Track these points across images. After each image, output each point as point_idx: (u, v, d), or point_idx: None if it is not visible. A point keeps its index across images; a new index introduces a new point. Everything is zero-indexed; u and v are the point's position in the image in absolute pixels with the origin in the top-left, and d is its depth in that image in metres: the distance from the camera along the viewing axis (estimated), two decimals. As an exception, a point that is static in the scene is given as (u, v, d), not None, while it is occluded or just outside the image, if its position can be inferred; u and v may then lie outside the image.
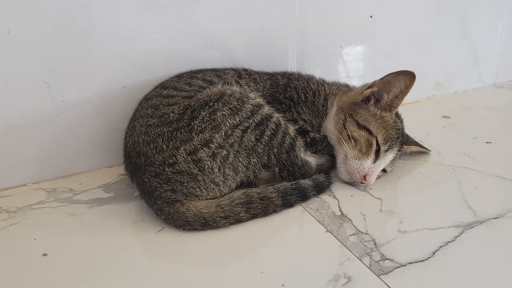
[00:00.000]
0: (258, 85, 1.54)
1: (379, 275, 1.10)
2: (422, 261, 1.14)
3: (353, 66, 1.97)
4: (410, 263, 1.13)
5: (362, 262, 1.14)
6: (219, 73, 1.53)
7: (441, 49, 2.13)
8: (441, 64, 2.16)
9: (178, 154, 1.26)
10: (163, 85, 1.46)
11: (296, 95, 1.54)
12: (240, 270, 1.13)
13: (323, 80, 1.64)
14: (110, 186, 1.50)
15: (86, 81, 1.49)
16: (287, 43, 1.80)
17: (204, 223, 1.26)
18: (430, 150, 1.66)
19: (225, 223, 1.27)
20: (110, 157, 1.55)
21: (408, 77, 1.41)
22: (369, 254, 1.17)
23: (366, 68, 1.98)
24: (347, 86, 1.64)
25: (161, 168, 1.26)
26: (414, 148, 1.62)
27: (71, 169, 1.57)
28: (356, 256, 1.16)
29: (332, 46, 1.90)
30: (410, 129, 1.59)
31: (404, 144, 1.54)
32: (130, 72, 1.55)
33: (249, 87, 1.50)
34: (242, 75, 1.56)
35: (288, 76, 1.61)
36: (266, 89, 1.55)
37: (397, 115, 1.52)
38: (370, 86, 1.47)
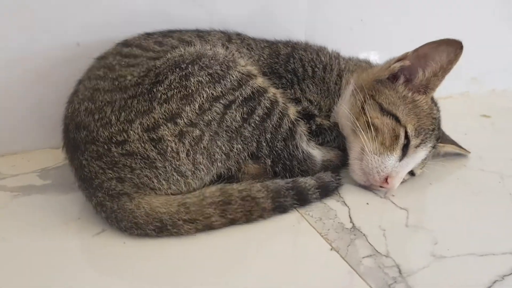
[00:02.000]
0: (252, 53, 1.19)
1: (407, 321, 0.74)
2: None
3: (376, 45, 1.60)
4: None
5: (381, 299, 0.78)
6: (202, 34, 1.18)
7: (481, 37, 1.75)
8: (480, 55, 1.78)
9: (131, 130, 0.92)
10: (125, 43, 1.13)
11: (301, 69, 1.19)
12: None
13: (338, 54, 1.29)
14: (49, 171, 1.16)
15: (28, 32, 1.16)
16: (295, 12, 1.46)
17: (160, 227, 0.91)
18: (469, 152, 1.28)
19: (190, 229, 0.93)
20: (55, 135, 1.18)
21: (452, 48, 1.05)
22: (392, 286, 0.82)
23: (392, 47, 1.60)
24: (368, 62, 1.28)
25: (106, 147, 0.92)
26: (450, 148, 1.25)
27: (5, 147, 1.24)
28: (372, 289, 0.80)
29: (351, 19, 1.56)
30: (442, 127, 1.22)
31: (439, 140, 1.16)
32: (88, 26, 1.22)
33: (240, 53, 1.14)
34: (232, 38, 1.21)
35: (293, 45, 1.25)
36: (262, 58, 1.20)
37: (433, 101, 1.15)
38: (400, 59, 1.11)
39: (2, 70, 1.17)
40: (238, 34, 1.25)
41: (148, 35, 1.16)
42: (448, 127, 1.27)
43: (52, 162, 1.19)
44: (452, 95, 1.80)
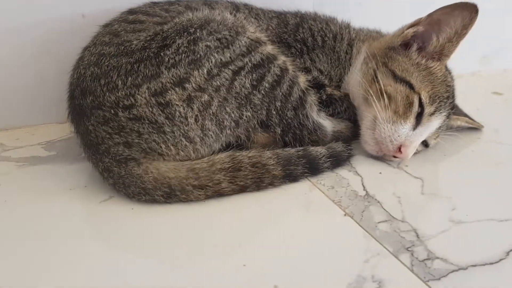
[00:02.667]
0: (260, 22, 1.17)
1: (427, 281, 0.71)
2: (490, 264, 0.77)
3: (386, 20, 1.55)
4: (472, 265, 0.77)
5: (399, 260, 0.77)
6: (209, 2, 1.15)
7: (493, 14, 1.70)
8: (491, 33, 1.74)
9: (138, 94, 0.89)
10: (131, 10, 1.10)
11: (310, 38, 1.16)
12: (213, 261, 0.77)
13: (348, 24, 1.25)
14: (54, 143, 1.14)
15: (32, 4, 1.12)
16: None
17: (168, 193, 0.89)
18: (483, 126, 1.25)
19: (200, 195, 0.90)
20: (60, 109, 1.16)
21: (467, 12, 1.02)
22: (410, 249, 0.78)
23: (403, 22, 1.57)
24: (378, 32, 1.25)
25: (113, 111, 0.89)
26: (463, 121, 1.22)
27: (9, 122, 1.21)
28: (389, 251, 0.78)
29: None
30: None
31: (454, 110, 1.13)
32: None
33: (249, 23, 1.11)
34: (240, 8, 1.18)
35: (302, 15, 1.23)
36: (271, 28, 1.17)
37: (447, 69, 1.12)
38: (413, 24, 1.08)
39: (6, 43, 1.15)
40: (246, 5, 1.22)
41: (154, 3, 1.13)
42: (458, 103, 1.24)
43: (57, 135, 1.17)
44: (463, 74, 1.76)
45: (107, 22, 1.07)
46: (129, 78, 0.90)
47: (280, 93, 1.00)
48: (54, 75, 1.19)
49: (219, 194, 0.91)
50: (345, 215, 0.88)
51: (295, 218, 0.89)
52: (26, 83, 1.19)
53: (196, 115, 0.91)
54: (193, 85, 0.91)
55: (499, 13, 1.75)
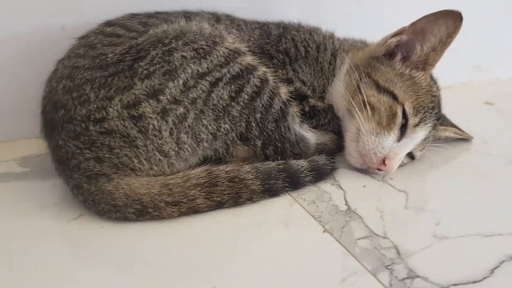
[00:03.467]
0: (242, 33, 1.14)
1: (406, 302, 0.67)
2: (474, 282, 0.74)
3: (386, 22, 1.51)
4: (454, 284, 0.73)
5: (377, 279, 0.73)
6: (189, 15, 1.13)
7: (485, 22, 1.68)
8: (483, 42, 1.71)
9: (110, 107, 0.86)
10: (108, 22, 1.08)
11: (293, 49, 1.13)
12: (186, 281, 0.74)
13: (332, 34, 1.23)
14: (30, 159, 1.11)
15: (10, 15, 1.10)
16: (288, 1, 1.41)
17: (140, 210, 0.86)
18: (472, 137, 1.22)
19: (173, 212, 0.87)
20: (38, 124, 1.14)
21: (451, 20, 1.00)
22: (389, 267, 0.76)
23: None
24: (363, 42, 1.22)
25: (84, 125, 0.87)
26: (451, 132, 1.19)
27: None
28: (367, 270, 0.75)
29: (348, 3, 1.51)
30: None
31: (440, 121, 1.10)
32: (73, 8, 1.17)
33: (229, 33, 1.08)
34: (221, 19, 1.16)
35: (284, 26, 1.20)
36: (252, 39, 1.14)
37: (432, 79, 1.09)
38: (397, 33, 1.05)
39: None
40: (228, 16, 1.20)
41: (133, 15, 1.11)
42: (448, 114, 1.21)
43: (34, 151, 1.14)
44: (452, 85, 1.73)
45: (83, 34, 1.05)
46: (102, 91, 0.87)
47: (260, 105, 0.97)
48: (32, 89, 1.15)
49: (194, 210, 0.88)
50: (324, 231, 0.85)
51: (273, 235, 0.86)
52: (5, 96, 1.17)
53: (171, 128, 0.89)
54: (168, 97, 0.88)
55: (491, 22, 1.73)
